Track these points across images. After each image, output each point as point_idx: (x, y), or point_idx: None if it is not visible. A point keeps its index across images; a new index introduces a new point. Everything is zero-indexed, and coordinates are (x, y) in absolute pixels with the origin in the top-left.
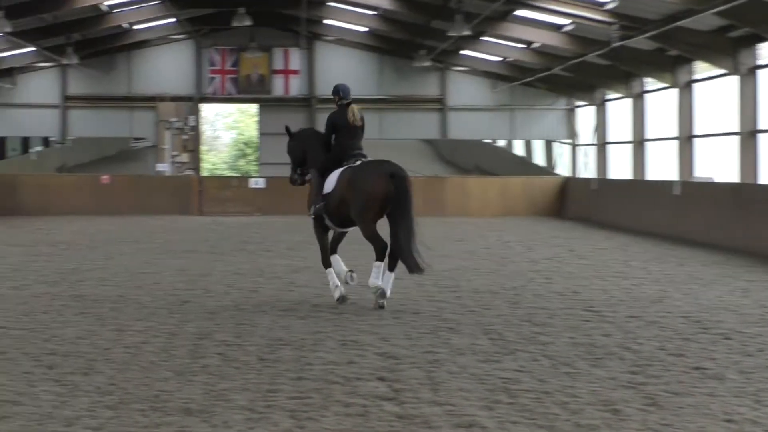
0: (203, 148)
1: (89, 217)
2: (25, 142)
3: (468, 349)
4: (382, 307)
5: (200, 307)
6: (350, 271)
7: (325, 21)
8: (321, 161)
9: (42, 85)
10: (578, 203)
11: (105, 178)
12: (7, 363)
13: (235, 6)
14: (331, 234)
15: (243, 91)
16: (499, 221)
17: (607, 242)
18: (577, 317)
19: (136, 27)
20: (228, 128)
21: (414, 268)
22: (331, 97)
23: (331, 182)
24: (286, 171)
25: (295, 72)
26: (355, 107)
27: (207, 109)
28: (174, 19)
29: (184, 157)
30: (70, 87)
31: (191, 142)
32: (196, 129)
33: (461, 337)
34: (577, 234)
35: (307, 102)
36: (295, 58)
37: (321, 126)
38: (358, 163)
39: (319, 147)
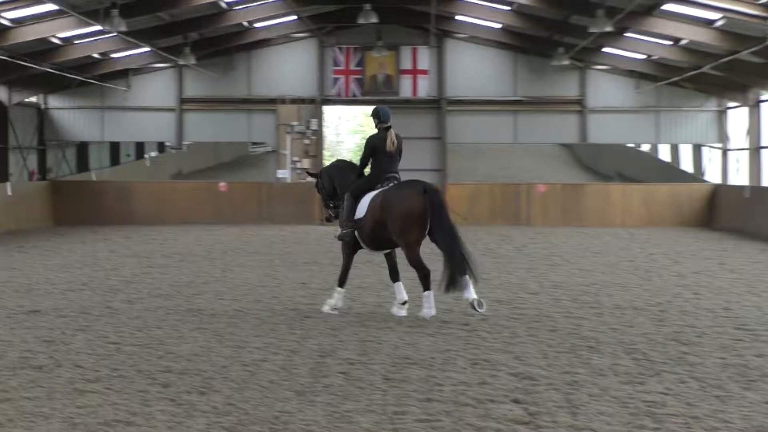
0: (326, 153)
1: (206, 227)
2: (140, 147)
3: (609, 369)
4: (477, 308)
5: (322, 322)
6: (404, 302)
7: (457, 17)
8: (356, 185)
9: (157, 87)
10: (729, 212)
11: (222, 185)
12: (121, 381)
13: (360, 2)
14: (384, 260)
15: (368, 92)
16: (642, 232)
17: (761, 255)
18: (729, 336)
19: (256, 25)
20: (352, 132)
21: (453, 286)
22: (457, 99)
23: (363, 206)
24: (412, 177)
25: (423, 72)
26: (393, 132)
27: (330, 112)
28: (295, 17)
29: (306, 163)
30: (187, 89)
31: (313, 147)
32: (318, 133)
33: (602, 356)
34: (727, 246)
35: (436, 104)
36: (424, 57)
37: (452, 129)
38: (390, 185)
39: (351, 173)
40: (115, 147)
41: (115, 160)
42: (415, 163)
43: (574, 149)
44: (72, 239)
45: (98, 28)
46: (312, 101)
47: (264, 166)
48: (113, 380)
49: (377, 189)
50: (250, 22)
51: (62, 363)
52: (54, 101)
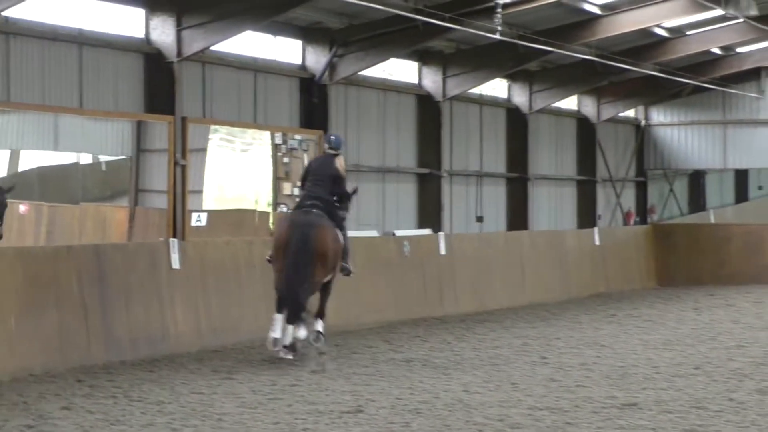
0: None
1: None
2: None
3: None
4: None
5: None
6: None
7: None
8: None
9: None
10: None
11: None
12: None
13: None
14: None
15: None
16: None
17: None
18: None
19: None
20: None
21: (291, 315)
22: None
23: None
24: None
25: None
26: (341, 159)
27: None
28: None
29: None
30: None
31: None
32: None
33: None
34: None
35: None
36: None
37: None
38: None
39: None
40: (741, 176)
41: (741, 194)
42: None
43: None
44: (682, 305)
45: (719, 12)
46: None
47: None
48: None
49: None
50: None
51: None
52: (658, 115)
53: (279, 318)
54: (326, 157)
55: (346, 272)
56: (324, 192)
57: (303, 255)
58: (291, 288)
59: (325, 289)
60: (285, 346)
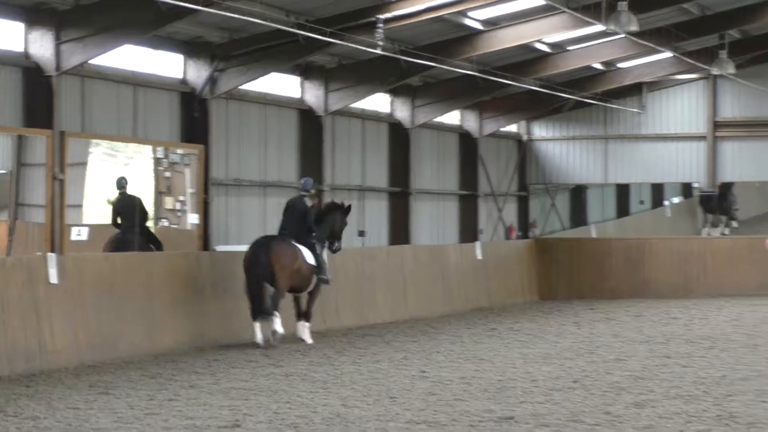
0: None
1: (749, 300)
2: (657, 191)
3: None
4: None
5: None
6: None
7: None
8: None
9: (680, 108)
10: None
11: None
12: None
13: None
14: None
15: None
16: None
17: None
18: None
19: None
20: None
21: (257, 313)
22: None
23: None
24: None
25: None
26: (305, 199)
27: None
28: None
29: None
30: (722, 109)
31: None
32: None
33: None
34: None
35: None
36: None
37: None
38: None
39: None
40: (623, 191)
41: (623, 209)
42: None
43: None
44: (562, 319)
45: (599, 28)
46: None
47: None
48: None
49: None
50: None
51: None
52: (539, 130)
53: (255, 325)
54: (299, 197)
55: (325, 282)
56: (295, 224)
57: (260, 267)
58: (254, 297)
59: (311, 295)
60: (260, 345)
